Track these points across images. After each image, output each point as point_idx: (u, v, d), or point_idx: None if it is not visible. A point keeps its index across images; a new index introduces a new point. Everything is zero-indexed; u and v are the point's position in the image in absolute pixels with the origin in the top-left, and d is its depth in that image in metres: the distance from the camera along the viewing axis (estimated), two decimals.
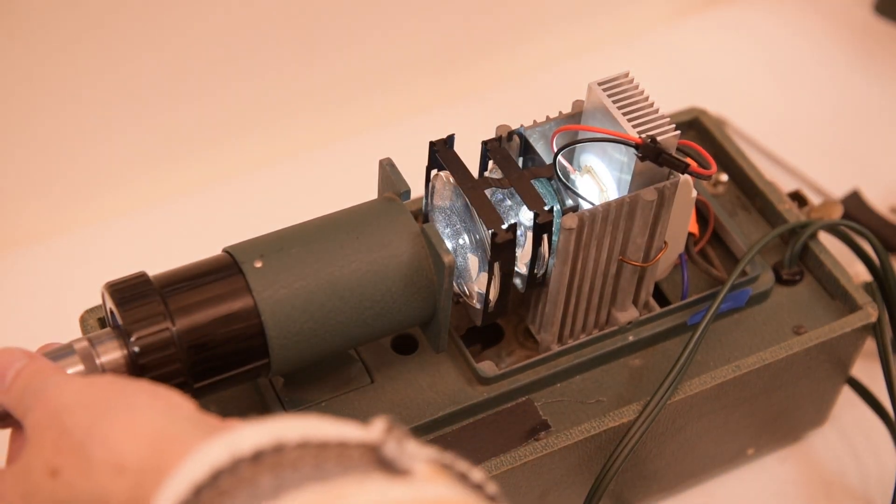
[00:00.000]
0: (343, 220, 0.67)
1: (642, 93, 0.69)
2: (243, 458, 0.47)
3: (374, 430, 0.48)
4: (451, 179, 0.69)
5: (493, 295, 0.68)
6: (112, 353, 0.60)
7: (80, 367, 0.60)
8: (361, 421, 0.68)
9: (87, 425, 0.51)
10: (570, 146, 0.69)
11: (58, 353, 0.60)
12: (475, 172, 0.70)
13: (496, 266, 0.67)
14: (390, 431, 0.48)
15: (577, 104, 0.72)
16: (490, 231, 0.65)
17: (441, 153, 0.69)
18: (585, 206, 0.69)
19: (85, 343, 0.60)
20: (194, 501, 0.47)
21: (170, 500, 0.47)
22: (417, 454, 0.47)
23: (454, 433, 0.70)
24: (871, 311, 0.77)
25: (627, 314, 0.74)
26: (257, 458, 0.47)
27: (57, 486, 0.52)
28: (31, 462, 0.53)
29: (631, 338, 0.74)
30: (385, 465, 0.47)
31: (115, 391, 0.53)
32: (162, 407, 0.52)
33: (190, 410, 0.53)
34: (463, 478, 0.49)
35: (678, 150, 0.68)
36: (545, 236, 0.67)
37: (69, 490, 0.51)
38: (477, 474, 0.49)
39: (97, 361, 0.60)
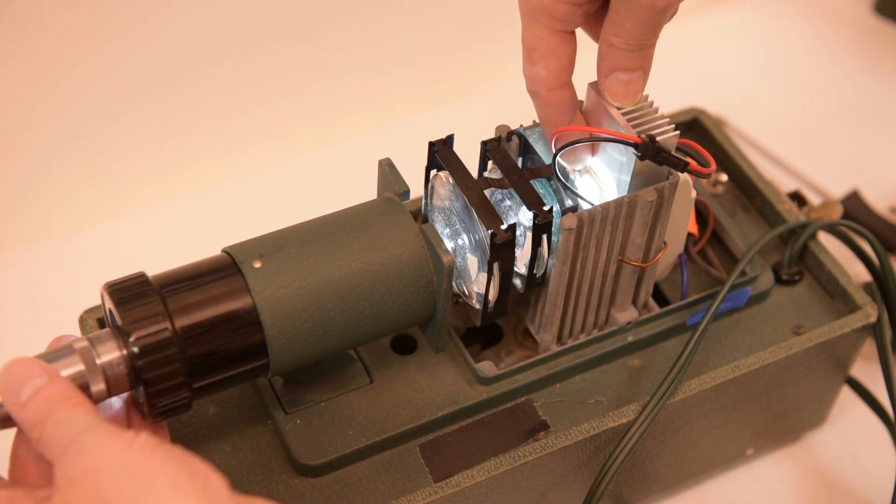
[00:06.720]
0: (342, 220, 0.67)
1: None
2: None
3: None
4: (451, 179, 0.69)
5: (492, 295, 0.68)
6: (111, 353, 0.60)
7: (81, 367, 0.60)
8: (361, 422, 0.69)
9: (129, 501, 0.52)
10: (569, 146, 0.69)
11: (58, 354, 0.60)
12: (474, 172, 0.70)
13: (495, 266, 0.67)
14: None
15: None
16: (489, 231, 0.65)
17: (440, 153, 0.69)
18: (585, 206, 0.69)
19: (85, 343, 0.60)
20: None
21: None
22: None
23: (453, 433, 0.70)
24: (870, 312, 0.77)
25: (627, 314, 0.74)
26: None
27: None
28: None
29: (630, 338, 0.74)
30: None
31: (156, 465, 0.54)
32: (201, 488, 0.53)
33: (224, 492, 0.54)
34: None
35: (678, 149, 0.68)
36: (544, 236, 0.67)
37: None
38: None
39: (97, 362, 0.60)
